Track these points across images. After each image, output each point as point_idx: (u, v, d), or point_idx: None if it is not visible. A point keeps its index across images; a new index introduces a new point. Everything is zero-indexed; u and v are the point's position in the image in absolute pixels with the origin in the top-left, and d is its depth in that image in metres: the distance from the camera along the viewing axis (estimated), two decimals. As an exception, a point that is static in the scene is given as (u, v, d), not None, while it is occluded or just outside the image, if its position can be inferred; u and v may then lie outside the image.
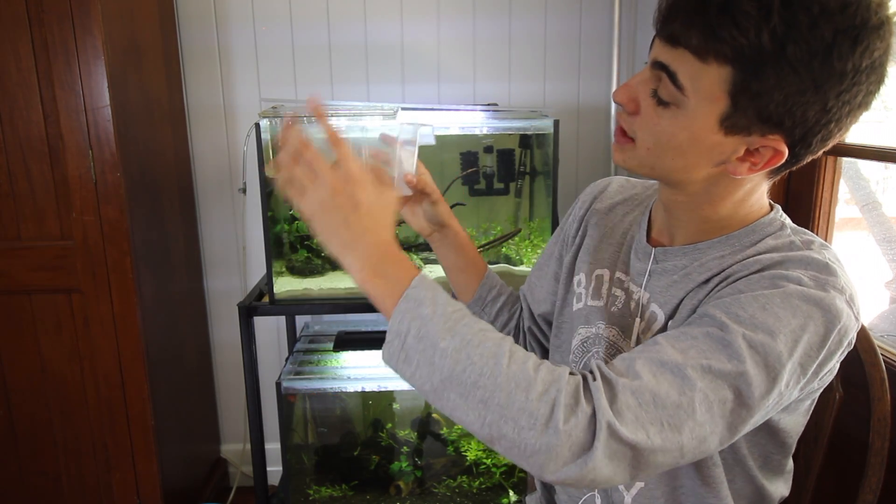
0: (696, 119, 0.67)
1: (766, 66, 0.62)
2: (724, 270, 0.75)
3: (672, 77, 0.66)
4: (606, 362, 0.73)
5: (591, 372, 0.67)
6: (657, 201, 0.87)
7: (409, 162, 0.97)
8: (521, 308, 1.11)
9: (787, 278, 0.68)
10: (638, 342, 0.83)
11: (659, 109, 0.69)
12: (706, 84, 0.65)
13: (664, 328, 0.79)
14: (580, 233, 0.98)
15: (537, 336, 1.09)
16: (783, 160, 0.68)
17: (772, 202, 0.81)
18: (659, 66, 0.68)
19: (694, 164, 0.71)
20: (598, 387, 0.64)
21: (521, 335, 1.11)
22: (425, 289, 0.68)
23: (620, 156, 0.76)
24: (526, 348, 1.11)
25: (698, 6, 0.63)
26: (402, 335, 0.66)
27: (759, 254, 0.74)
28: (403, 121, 0.95)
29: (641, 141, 0.73)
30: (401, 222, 1.08)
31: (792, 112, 0.64)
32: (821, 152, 0.71)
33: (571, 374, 0.66)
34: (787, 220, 0.79)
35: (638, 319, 0.84)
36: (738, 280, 0.71)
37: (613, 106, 1.86)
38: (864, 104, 0.67)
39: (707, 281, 0.76)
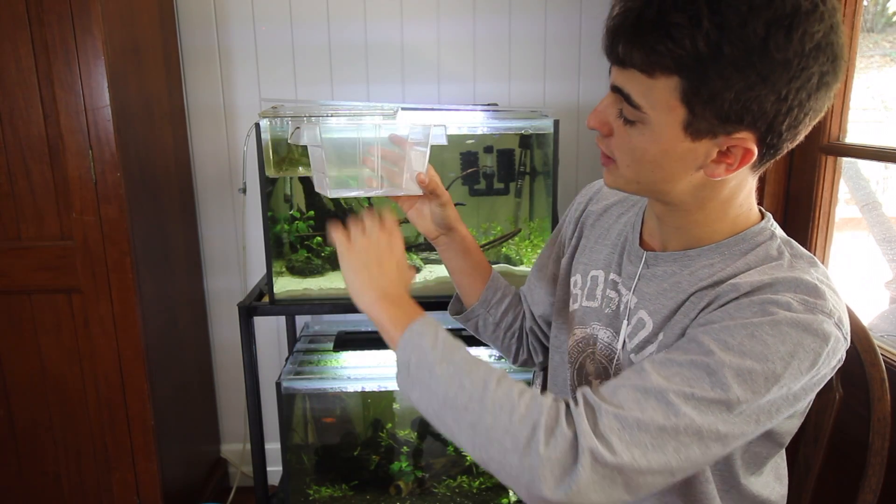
0: (661, 131, 0.69)
1: (709, 70, 0.63)
2: (714, 285, 0.75)
3: (627, 98, 0.69)
4: (602, 366, 0.74)
5: (575, 399, 0.68)
6: (650, 206, 0.88)
7: (420, 162, 0.99)
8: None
9: (776, 303, 0.68)
10: (624, 345, 0.84)
11: (627, 128, 0.71)
12: (659, 97, 0.67)
13: (652, 336, 0.80)
14: (576, 234, 0.99)
15: (538, 336, 1.10)
16: (755, 156, 0.69)
17: (763, 210, 0.81)
18: (615, 89, 0.71)
19: (672, 174, 0.72)
20: (579, 412, 0.65)
21: (524, 336, 1.11)
22: (428, 325, 0.75)
23: (607, 177, 0.79)
24: (529, 349, 1.12)
25: (634, 26, 0.65)
26: (406, 364, 0.73)
27: (749, 268, 0.74)
28: (414, 122, 0.99)
29: (621, 160, 0.74)
30: (403, 220, 1.09)
31: (748, 107, 0.65)
32: (797, 138, 0.71)
33: (556, 400, 0.68)
34: (778, 230, 0.79)
35: (625, 322, 0.84)
36: (727, 303, 0.71)
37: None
38: (825, 85, 0.66)
39: (697, 293, 0.76)
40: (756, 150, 0.68)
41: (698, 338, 0.69)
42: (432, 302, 1.58)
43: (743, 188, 0.76)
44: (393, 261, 0.85)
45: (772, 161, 0.73)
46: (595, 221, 0.97)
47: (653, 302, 0.81)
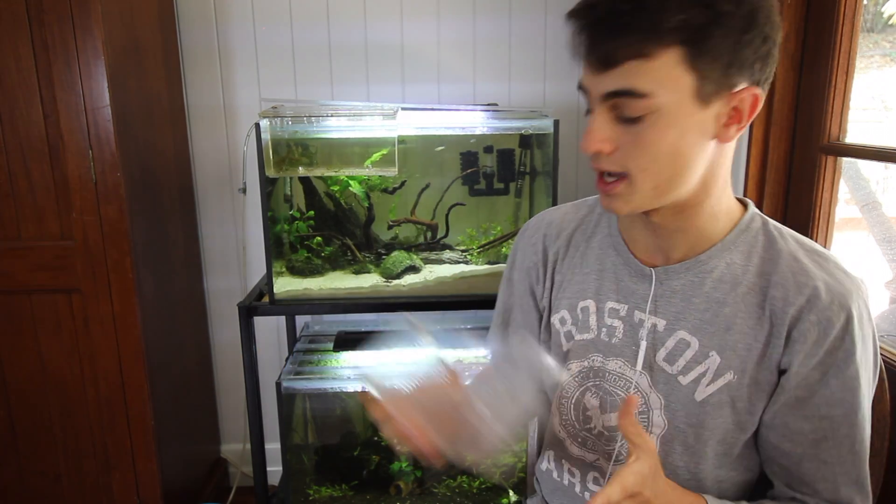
0: (674, 110, 0.68)
1: (709, 26, 0.65)
2: (758, 290, 0.77)
3: (631, 92, 0.67)
4: (618, 396, 0.82)
5: None
6: (625, 222, 0.86)
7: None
8: None
9: (856, 321, 0.75)
10: (654, 369, 0.82)
11: (636, 129, 0.69)
12: (665, 74, 0.66)
13: (701, 356, 0.79)
14: (548, 276, 0.94)
15: None
16: (761, 101, 0.71)
17: (741, 199, 0.83)
18: (612, 95, 0.69)
19: (692, 156, 0.71)
20: None
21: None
22: None
23: (620, 204, 0.74)
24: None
25: (616, 20, 0.66)
26: None
27: (763, 259, 0.78)
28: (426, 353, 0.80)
29: (636, 167, 0.71)
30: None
31: (745, 55, 0.67)
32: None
33: None
34: (761, 214, 0.82)
35: (643, 343, 0.82)
36: (804, 335, 0.74)
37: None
38: (777, 23, 0.70)
39: (745, 307, 0.77)
40: (762, 96, 0.70)
41: (848, 400, 0.76)
42: (432, 302, 1.59)
43: (727, 166, 0.78)
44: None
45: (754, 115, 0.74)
46: (564, 255, 0.92)
47: (689, 320, 0.79)
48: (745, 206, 0.82)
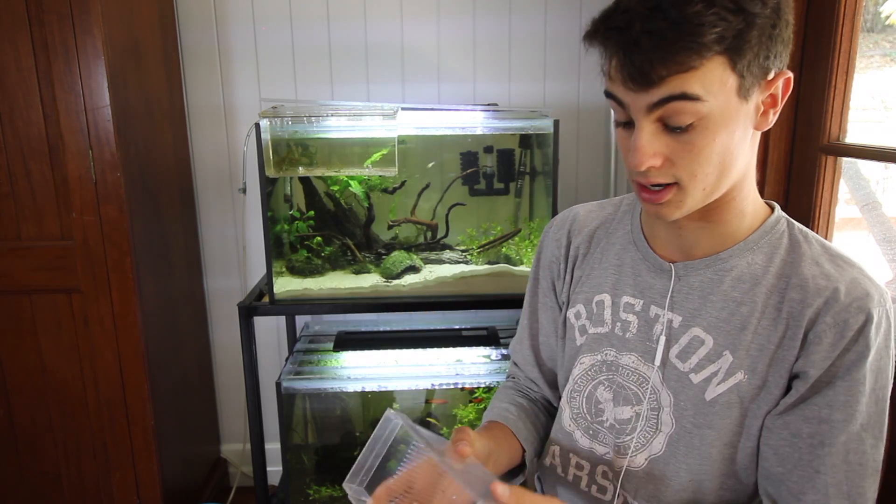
0: (723, 111, 0.68)
1: (744, 32, 0.66)
2: (777, 293, 0.77)
3: (685, 97, 0.67)
4: (632, 391, 0.80)
5: None
6: (648, 219, 0.87)
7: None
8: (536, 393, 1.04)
9: (873, 326, 0.72)
10: (666, 366, 0.81)
11: (684, 137, 0.69)
12: (712, 79, 0.67)
13: (714, 355, 0.78)
14: (569, 270, 0.95)
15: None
16: (791, 80, 0.73)
17: (768, 201, 0.83)
18: (663, 101, 0.67)
19: (738, 150, 0.73)
20: None
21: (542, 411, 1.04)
22: None
23: (670, 211, 0.74)
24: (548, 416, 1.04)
25: (656, 40, 0.65)
26: None
27: (784, 261, 0.78)
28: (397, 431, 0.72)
29: (687, 175, 0.71)
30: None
31: (776, 45, 0.70)
32: None
33: None
34: (788, 218, 0.82)
35: (663, 339, 0.82)
36: (819, 337, 0.73)
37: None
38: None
39: (763, 308, 0.77)
40: (791, 76, 0.72)
41: (851, 405, 0.73)
42: (432, 302, 1.59)
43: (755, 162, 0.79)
44: None
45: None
46: (586, 251, 0.94)
47: (705, 317, 0.80)
48: (772, 208, 0.83)
